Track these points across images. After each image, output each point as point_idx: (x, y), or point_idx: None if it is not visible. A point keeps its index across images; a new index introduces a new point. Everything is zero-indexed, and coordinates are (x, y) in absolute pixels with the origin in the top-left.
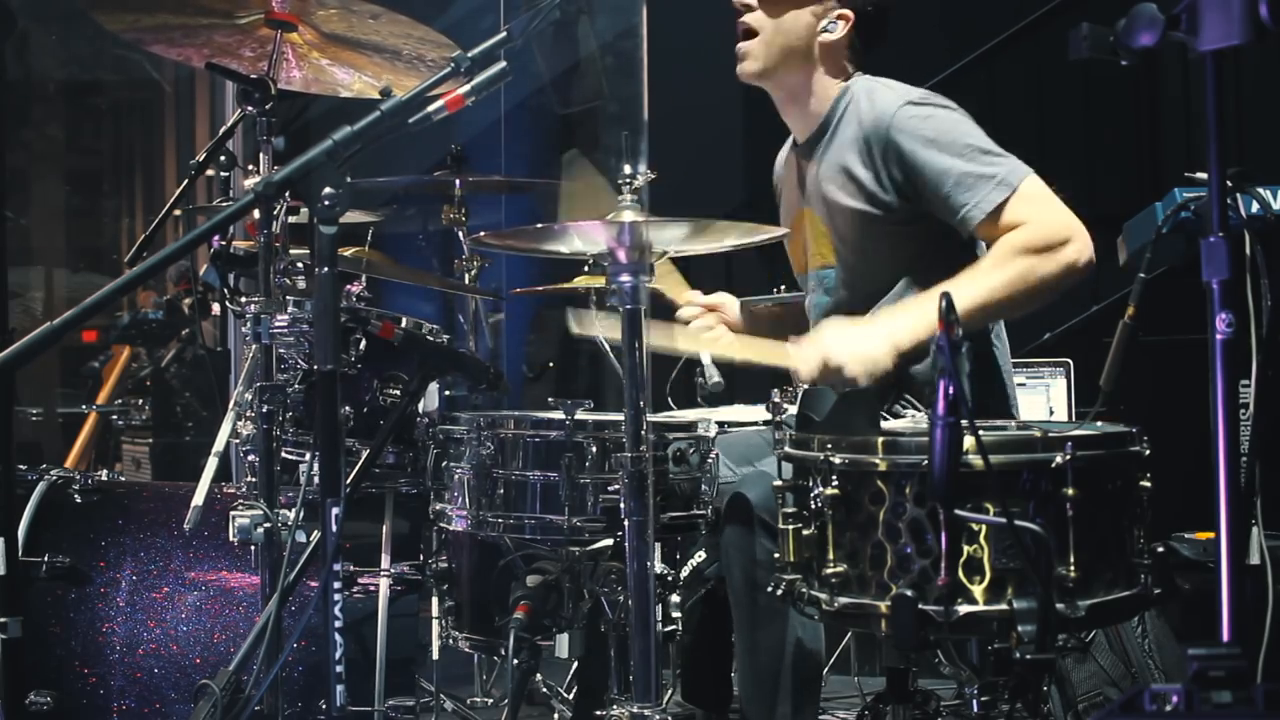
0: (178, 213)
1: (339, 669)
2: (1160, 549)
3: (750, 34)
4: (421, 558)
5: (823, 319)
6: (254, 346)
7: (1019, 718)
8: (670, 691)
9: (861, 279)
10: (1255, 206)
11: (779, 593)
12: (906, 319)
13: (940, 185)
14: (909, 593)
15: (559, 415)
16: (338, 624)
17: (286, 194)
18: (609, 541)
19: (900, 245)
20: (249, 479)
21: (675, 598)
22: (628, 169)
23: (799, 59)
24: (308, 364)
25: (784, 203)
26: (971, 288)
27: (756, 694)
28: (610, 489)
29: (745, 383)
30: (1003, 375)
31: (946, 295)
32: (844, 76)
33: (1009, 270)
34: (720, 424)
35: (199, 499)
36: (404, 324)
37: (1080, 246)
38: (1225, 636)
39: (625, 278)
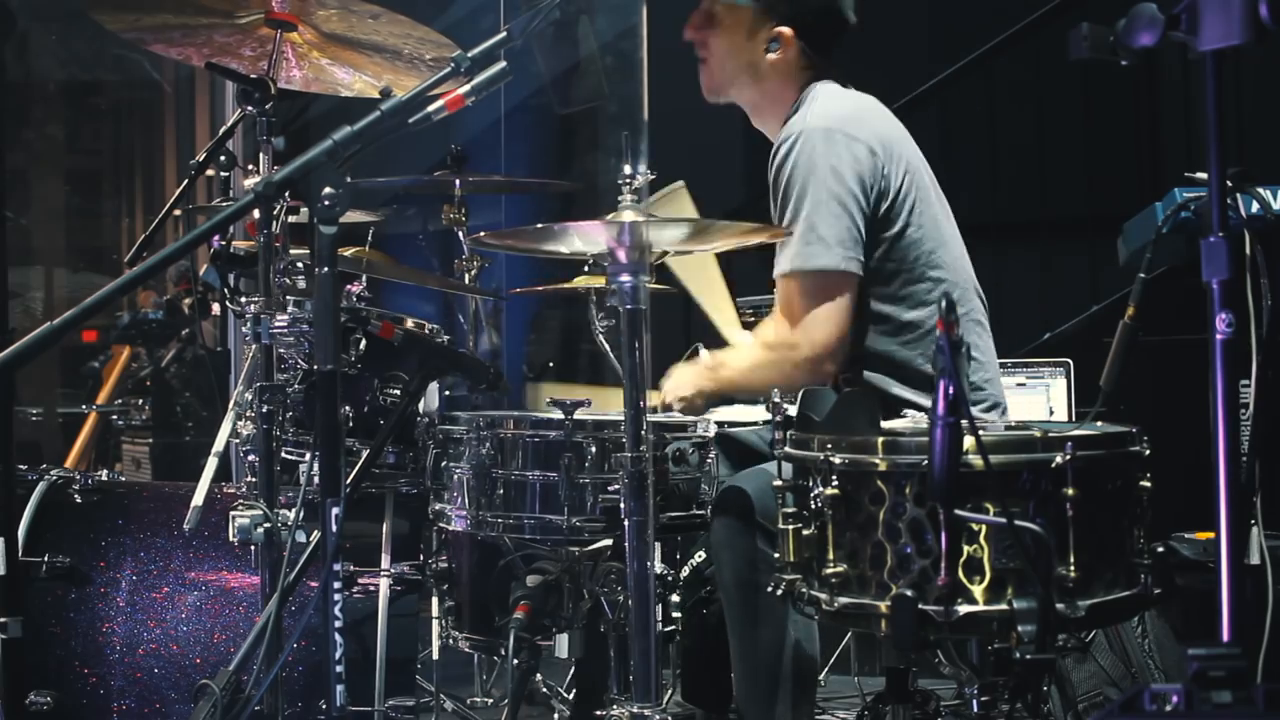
0: (178, 213)
1: (339, 669)
2: (1160, 549)
3: (704, 60)
4: (421, 558)
5: None
6: (254, 346)
7: (1019, 718)
8: (670, 691)
9: None
10: (1255, 206)
11: (779, 593)
12: (707, 373)
13: (779, 217)
14: (909, 593)
15: (558, 415)
16: (338, 624)
17: (286, 194)
18: (609, 541)
19: None
20: (249, 479)
21: (675, 598)
22: (628, 169)
23: (750, 77)
24: (308, 364)
25: None
26: (739, 367)
27: (752, 693)
28: (610, 489)
29: None
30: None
31: (947, 296)
32: (806, 74)
33: (752, 359)
34: (720, 424)
35: (199, 499)
36: (404, 324)
37: (804, 359)
38: (1225, 636)
39: (625, 278)
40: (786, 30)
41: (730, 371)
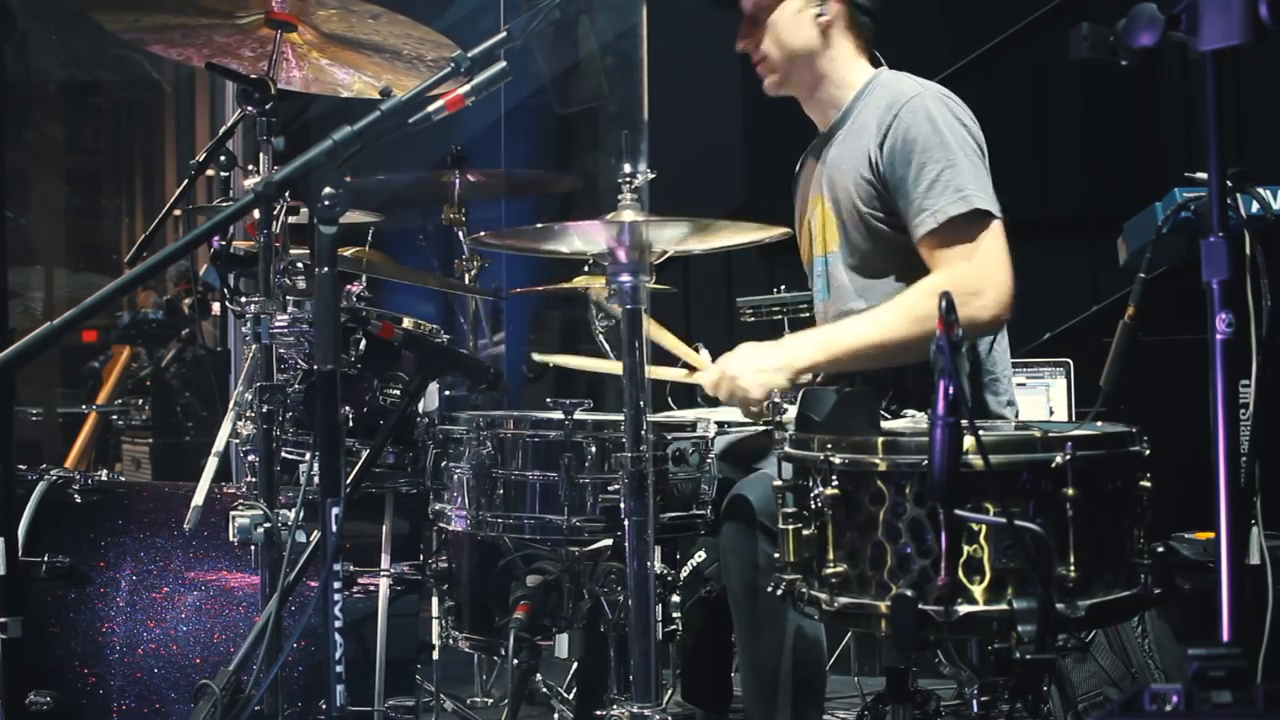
0: (178, 213)
1: (339, 669)
2: (1160, 549)
3: (762, 59)
4: (421, 558)
5: (822, 309)
6: (254, 346)
7: (1019, 718)
8: (670, 691)
9: (858, 269)
10: (1255, 206)
11: (779, 593)
12: (806, 343)
13: (915, 179)
14: (909, 593)
15: (558, 415)
16: (338, 624)
17: (286, 194)
18: (609, 541)
19: (894, 241)
20: (249, 479)
21: (675, 598)
22: (628, 169)
23: (808, 54)
24: (308, 364)
25: (799, 194)
26: (876, 326)
27: (758, 696)
28: (610, 489)
29: None
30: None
31: (946, 295)
32: (862, 57)
33: (918, 317)
34: (720, 424)
35: (199, 499)
36: (404, 324)
37: (988, 302)
38: (1225, 636)
39: (625, 278)
40: None
41: (865, 331)
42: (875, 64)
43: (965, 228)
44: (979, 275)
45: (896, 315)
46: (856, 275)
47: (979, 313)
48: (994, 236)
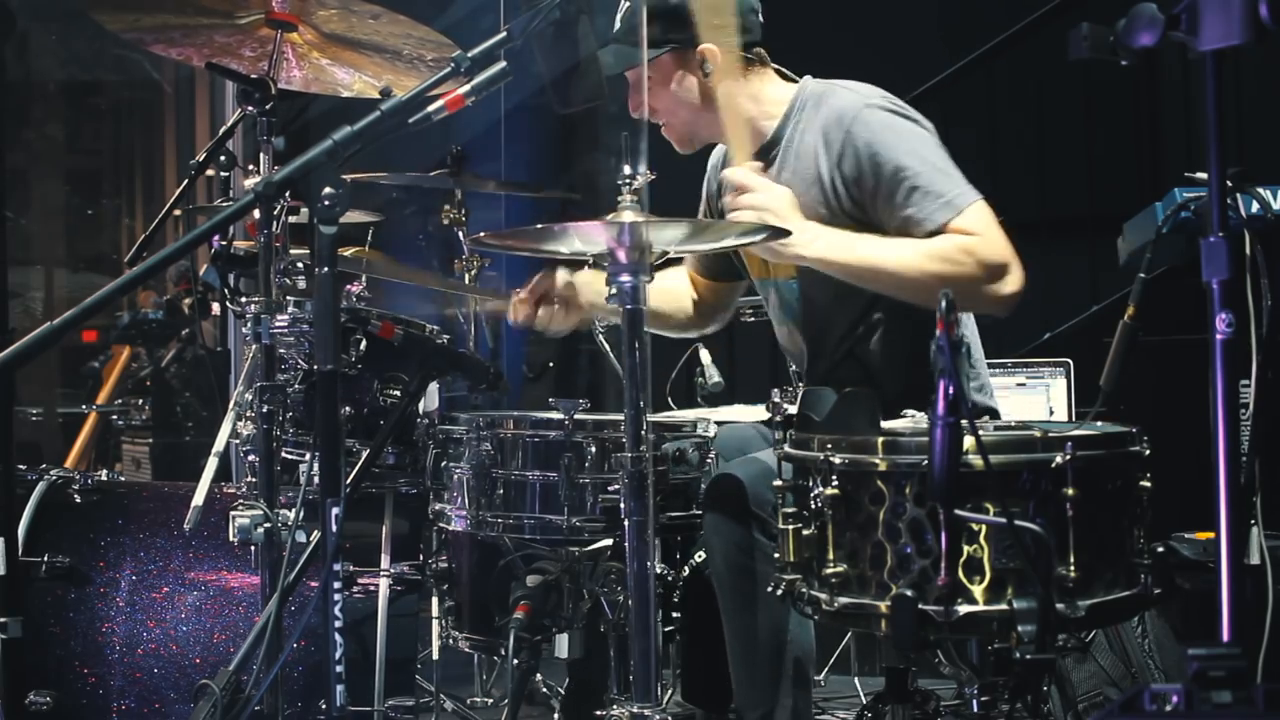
0: (178, 213)
1: (339, 669)
2: (1160, 549)
3: (664, 125)
4: (421, 558)
5: (787, 333)
6: (254, 346)
7: (1019, 718)
8: (670, 691)
9: (822, 289)
10: (1255, 206)
11: (778, 593)
12: (829, 237)
13: (892, 195)
14: (909, 593)
15: (558, 415)
16: (338, 624)
17: (286, 194)
18: (609, 541)
19: None
20: (249, 479)
21: (675, 598)
22: (628, 169)
23: (708, 110)
24: (308, 364)
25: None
26: (901, 253)
27: (747, 679)
28: (610, 489)
29: (745, 382)
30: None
31: (946, 295)
32: (770, 77)
33: (943, 262)
34: (720, 424)
35: (199, 499)
36: (404, 324)
37: (1013, 279)
38: (1225, 636)
39: (625, 278)
40: (709, 48)
41: (885, 253)
42: (787, 76)
43: (980, 214)
44: (997, 249)
45: (923, 252)
46: (821, 294)
47: (1004, 286)
48: (990, 220)
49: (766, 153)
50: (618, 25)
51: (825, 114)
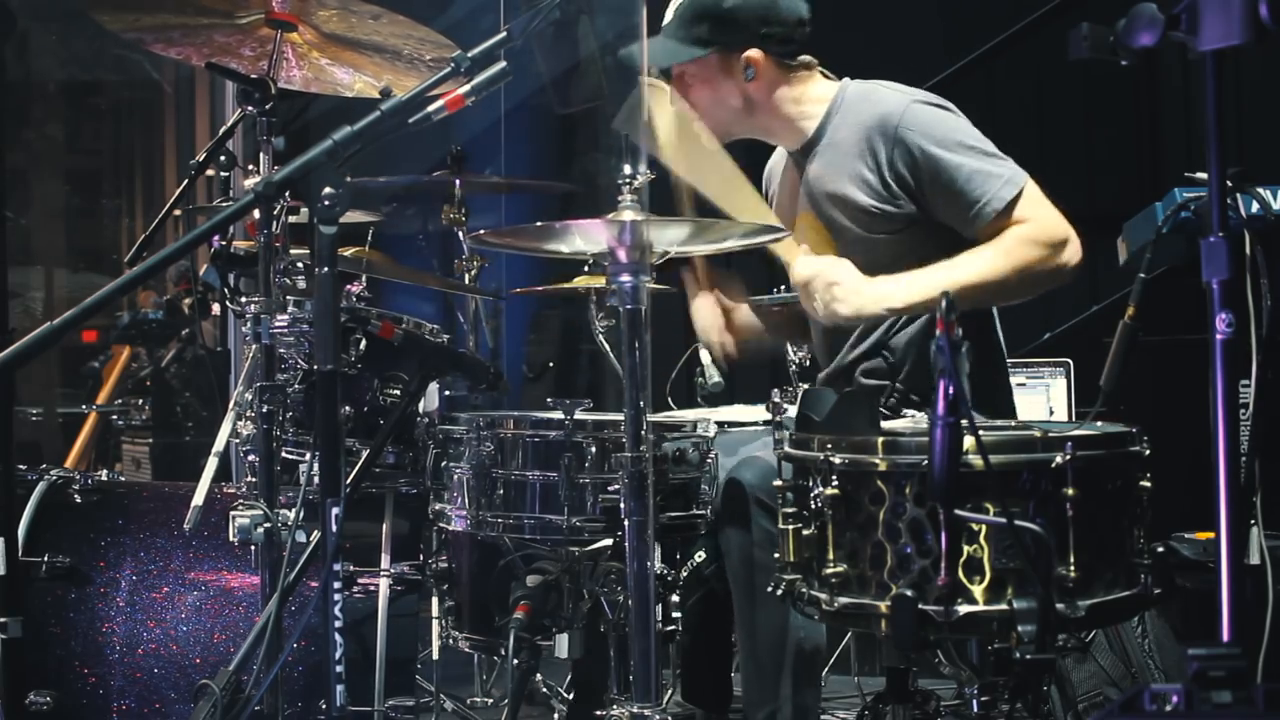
0: (178, 213)
1: (339, 669)
2: (1160, 549)
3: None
4: (421, 558)
5: (824, 326)
6: (254, 346)
7: (1019, 718)
8: (670, 691)
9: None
10: (1255, 206)
11: (779, 592)
12: (908, 286)
13: (952, 181)
14: (909, 593)
15: (558, 415)
16: (338, 624)
17: (286, 194)
18: (609, 541)
19: (899, 252)
20: (249, 479)
21: (675, 598)
22: (627, 169)
23: (746, 112)
24: (308, 364)
25: (776, 206)
26: (976, 264)
27: (757, 673)
28: (610, 489)
29: (745, 383)
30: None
31: (946, 295)
32: (812, 77)
33: (1014, 257)
34: (720, 424)
35: (199, 499)
36: (404, 324)
37: (1075, 248)
38: (1225, 636)
39: (625, 278)
40: (754, 54)
41: (964, 273)
42: (828, 76)
43: (1018, 204)
44: (1056, 225)
45: (1002, 259)
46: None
47: (1071, 257)
48: (1039, 196)
49: (808, 150)
50: (669, 18)
51: (869, 113)
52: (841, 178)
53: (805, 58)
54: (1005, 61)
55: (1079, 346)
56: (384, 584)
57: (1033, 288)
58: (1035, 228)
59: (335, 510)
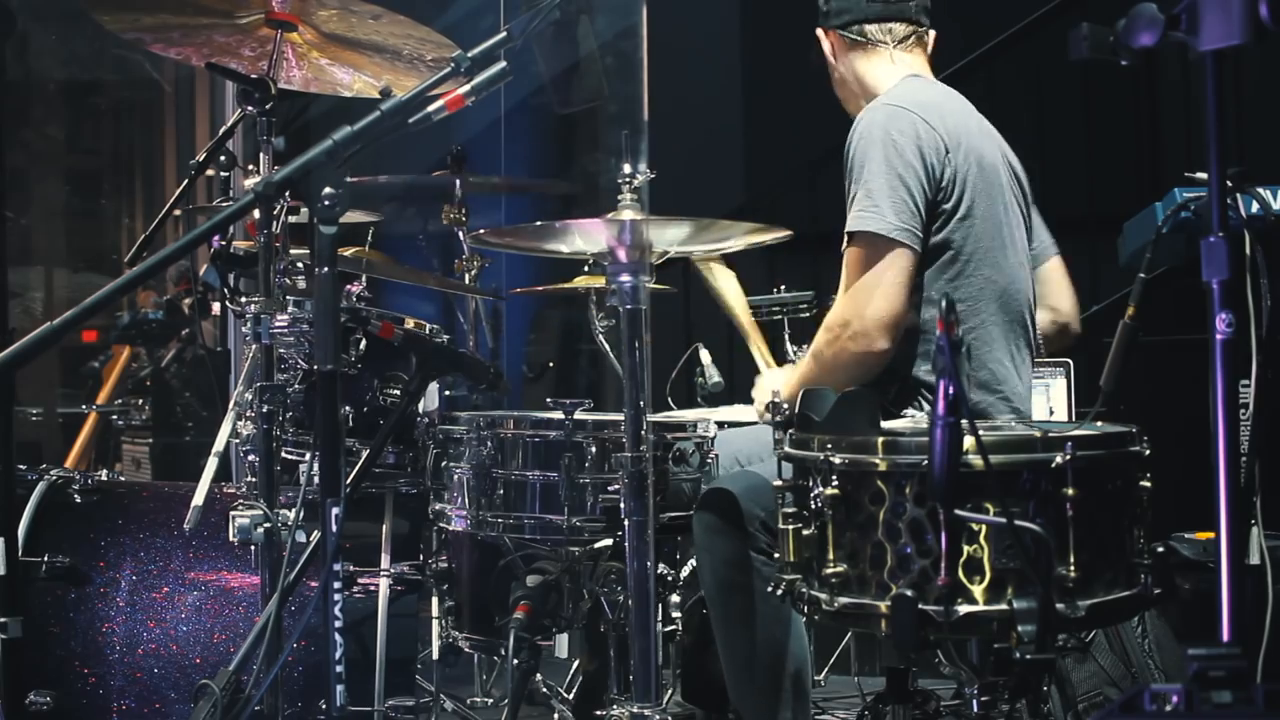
0: (178, 213)
1: (339, 669)
2: (1160, 549)
3: None
4: (421, 558)
5: None
6: (254, 346)
7: (1019, 718)
8: (670, 691)
9: None
10: (1255, 206)
11: (779, 592)
12: (787, 373)
13: (850, 189)
14: (909, 593)
15: (558, 415)
16: (338, 624)
17: (286, 194)
18: (609, 541)
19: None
20: (249, 479)
21: (675, 598)
22: (628, 169)
23: (846, 92)
24: (308, 364)
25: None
26: (808, 367)
27: (743, 693)
28: (610, 489)
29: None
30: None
31: (947, 296)
32: (879, 64)
33: (814, 345)
34: (720, 424)
35: (199, 499)
36: (404, 324)
37: (855, 332)
38: (1225, 636)
39: (625, 277)
40: (819, 31)
41: (802, 365)
42: (885, 56)
43: (857, 250)
44: (849, 305)
45: (811, 356)
46: None
47: (847, 345)
48: (882, 263)
49: None
50: None
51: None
52: None
53: (871, 28)
54: (1005, 61)
55: (1079, 346)
56: (384, 584)
57: (835, 374)
58: (835, 314)
59: (335, 510)
